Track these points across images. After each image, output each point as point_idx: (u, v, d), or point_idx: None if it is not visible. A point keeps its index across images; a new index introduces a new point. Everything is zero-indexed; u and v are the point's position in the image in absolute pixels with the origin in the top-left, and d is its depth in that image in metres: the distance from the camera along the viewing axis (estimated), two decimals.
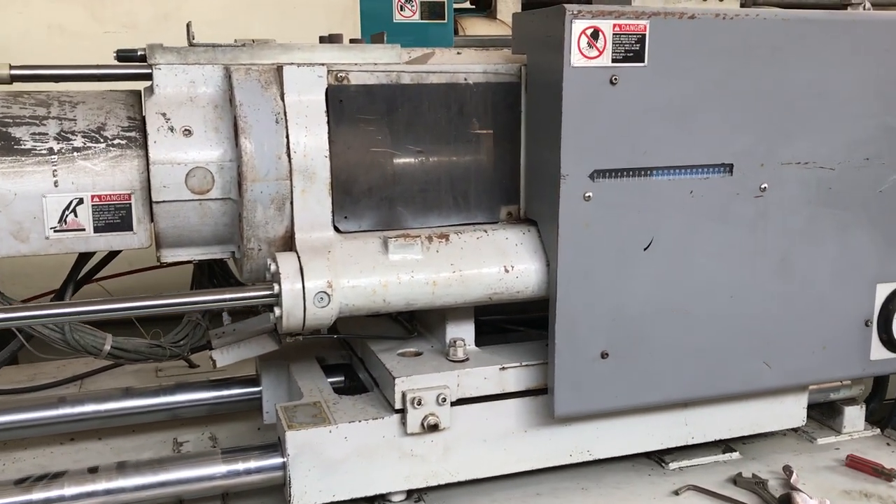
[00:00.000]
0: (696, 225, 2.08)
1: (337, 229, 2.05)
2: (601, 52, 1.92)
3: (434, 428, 2.04)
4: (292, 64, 1.97)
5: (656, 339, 2.12)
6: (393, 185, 2.08)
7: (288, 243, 1.99)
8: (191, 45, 2.08)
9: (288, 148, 1.94)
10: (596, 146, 1.97)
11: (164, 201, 1.95)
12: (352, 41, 2.22)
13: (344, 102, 2.01)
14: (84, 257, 2.25)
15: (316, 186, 1.96)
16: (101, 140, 1.97)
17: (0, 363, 2.32)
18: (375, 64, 2.03)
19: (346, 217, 2.06)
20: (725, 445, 2.43)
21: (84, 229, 1.95)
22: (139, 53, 2.02)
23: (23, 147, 1.91)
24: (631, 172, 2.01)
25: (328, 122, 2.00)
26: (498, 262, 2.05)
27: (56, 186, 1.92)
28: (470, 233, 2.09)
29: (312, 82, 1.97)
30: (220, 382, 2.60)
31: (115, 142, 1.98)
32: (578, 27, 1.89)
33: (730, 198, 2.10)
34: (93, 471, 2.03)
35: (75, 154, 1.94)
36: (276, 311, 1.88)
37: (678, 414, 2.31)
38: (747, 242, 2.14)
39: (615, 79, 1.94)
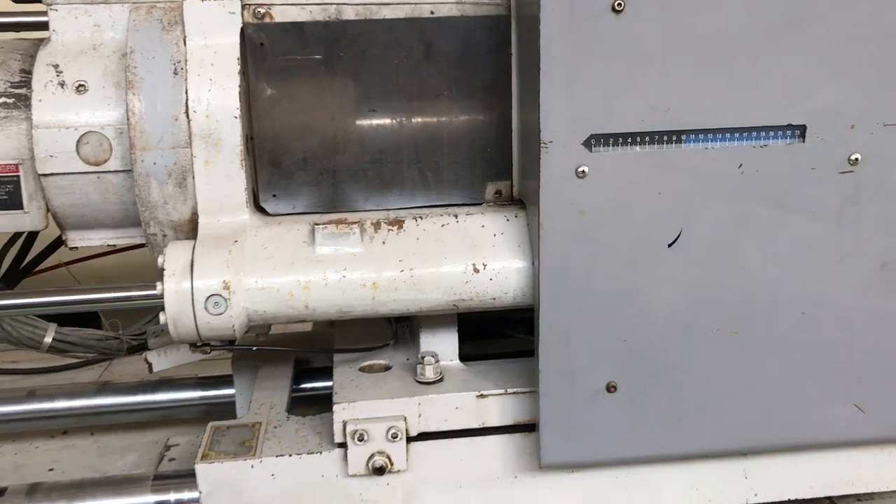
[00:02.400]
0: (748, 213, 1.47)
1: (264, 211, 1.61)
2: None
3: (381, 471, 1.57)
4: None
5: (688, 369, 1.53)
6: (335, 153, 1.60)
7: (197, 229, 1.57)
8: None
9: (187, 107, 1.50)
10: (592, 102, 1.40)
11: (52, 174, 1.58)
12: None
13: (266, 46, 1.55)
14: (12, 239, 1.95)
15: (223, 156, 1.52)
16: None
17: None
18: None
19: (274, 195, 1.61)
20: None
21: None
22: None
23: None
24: (647, 138, 1.43)
25: (245, 73, 1.55)
26: (465, 258, 1.53)
27: None
28: (435, 218, 1.58)
29: (222, 21, 1.52)
30: (210, 381, 2.24)
31: (1, 101, 1.62)
32: None
33: (801, 174, 1.47)
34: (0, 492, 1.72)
35: None
36: (161, 316, 1.46)
37: (735, 463, 1.71)
38: (829, 238, 1.50)
39: (620, 4, 1.36)
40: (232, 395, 2.13)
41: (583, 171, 1.42)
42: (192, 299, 1.44)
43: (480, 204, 1.65)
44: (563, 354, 1.50)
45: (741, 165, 1.45)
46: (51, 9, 1.61)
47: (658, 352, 1.51)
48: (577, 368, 1.51)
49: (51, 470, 2.07)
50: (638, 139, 1.42)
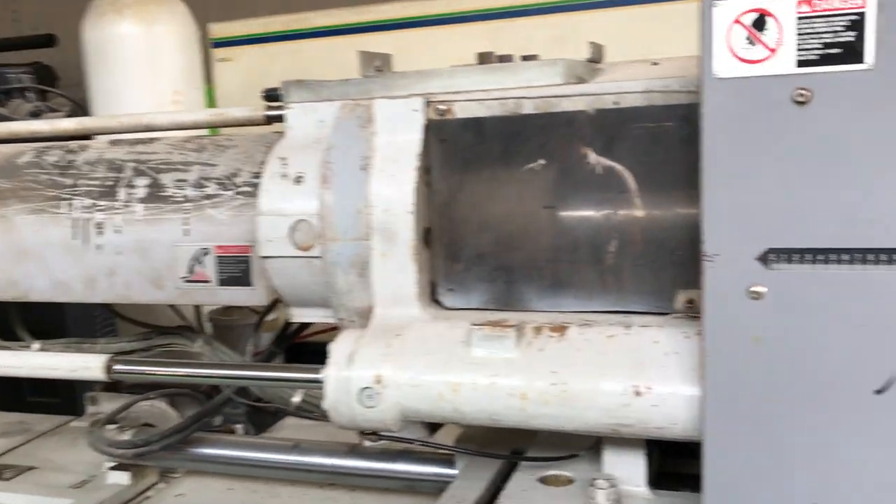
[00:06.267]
0: None
1: (441, 305, 1.60)
2: (773, 51, 1.12)
3: None
4: (384, 97, 1.58)
5: None
6: (511, 250, 1.53)
7: None
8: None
9: (368, 201, 1.56)
10: (769, 209, 1.16)
11: (270, 256, 1.74)
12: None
13: (448, 142, 1.55)
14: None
15: (397, 250, 1.54)
16: (231, 187, 1.85)
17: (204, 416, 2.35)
18: (486, 90, 1.52)
19: (451, 289, 1.59)
20: None
21: (210, 281, 1.85)
22: (280, 92, 1.84)
23: (164, 193, 1.89)
24: (845, 256, 1.14)
25: (428, 168, 1.57)
26: (626, 378, 1.36)
27: (186, 235, 1.86)
28: (603, 327, 1.43)
29: (405, 117, 1.56)
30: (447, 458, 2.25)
31: (242, 189, 1.84)
32: (726, 14, 1.13)
33: None
34: None
35: (205, 202, 1.85)
36: (323, 402, 1.52)
37: None
38: None
39: (804, 94, 1.12)
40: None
41: (756, 292, 1.18)
42: (348, 389, 1.48)
43: (667, 314, 1.45)
44: None
45: None
46: (287, 107, 1.79)
47: None
48: None
49: None
50: (832, 256, 1.15)
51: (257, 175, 1.83)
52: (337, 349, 1.52)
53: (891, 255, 1.12)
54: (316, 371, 1.55)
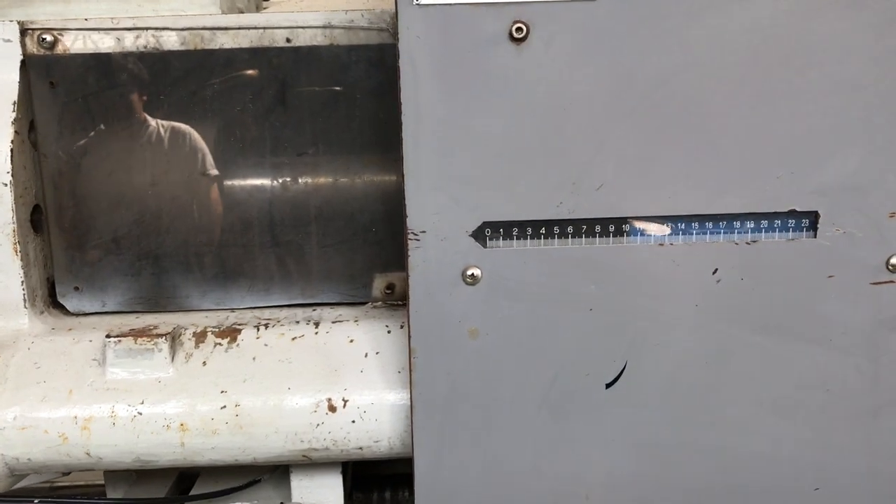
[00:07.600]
0: (727, 340, 0.98)
1: (63, 308, 1.18)
2: None
3: None
4: None
5: None
6: (159, 233, 1.16)
7: None
8: None
9: None
10: (484, 176, 0.93)
11: None
12: None
13: (60, 86, 1.12)
14: None
15: None
16: None
17: None
18: (115, 19, 1.12)
19: (76, 288, 1.18)
20: None
21: None
22: None
23: None
24: (570, 229, 0.95)
25: (33, 122, 1.13)
26: (317, 390, 1.07)
27: None
28: (286, 326, 1.13)
29: None
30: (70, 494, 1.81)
31: None
32: None
33: (812, 285, 0.97)
34: None
35: None
36: None
37: None
38: (856, 381, 0.99)
39: (521, 29, 0.89)
40: None
41: (473, 275, 0.95)
42: None
43: (364, 304, 1.19)
44: None
45: (716, 271, 0.96)
46: None
47: None
48: None
49: None
50: (556, 230, 0.95)
51: None
52: None
53: (620, 227, 0.95)
54: None
